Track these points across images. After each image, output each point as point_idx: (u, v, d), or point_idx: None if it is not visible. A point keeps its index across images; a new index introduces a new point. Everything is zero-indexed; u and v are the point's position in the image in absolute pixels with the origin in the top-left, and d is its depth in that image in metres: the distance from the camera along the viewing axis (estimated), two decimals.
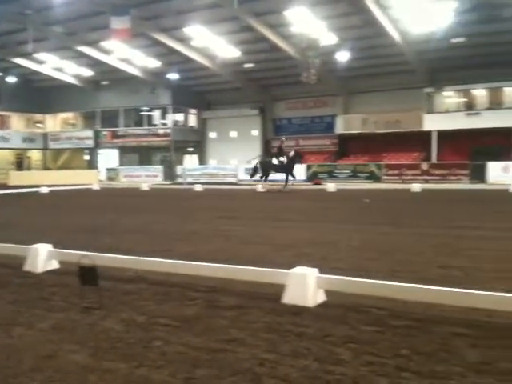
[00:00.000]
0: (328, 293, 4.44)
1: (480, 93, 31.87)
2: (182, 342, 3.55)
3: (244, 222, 11.01)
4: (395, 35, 28.53)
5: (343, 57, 31.15)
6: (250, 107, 40.02)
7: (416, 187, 22.59)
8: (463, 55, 29.45)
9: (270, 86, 39.24)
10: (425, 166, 30.84)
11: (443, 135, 31.39)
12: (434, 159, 31.81)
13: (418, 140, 32.72)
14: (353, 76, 34.75)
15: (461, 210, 13.41)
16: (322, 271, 4.50)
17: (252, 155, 37.45)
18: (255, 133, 40.89)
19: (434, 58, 30.38)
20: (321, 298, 4.40)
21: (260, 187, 23.68)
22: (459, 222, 10.54)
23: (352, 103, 36.99)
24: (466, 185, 26.94)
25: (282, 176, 23.68)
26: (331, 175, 32.71)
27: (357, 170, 32.47)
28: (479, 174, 28.36)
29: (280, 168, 23.34)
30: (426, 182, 28.41)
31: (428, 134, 31.95)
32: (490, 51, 28.58)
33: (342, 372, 3.02)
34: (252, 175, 25.04)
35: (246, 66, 35.54)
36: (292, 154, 23.40)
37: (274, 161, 23.56)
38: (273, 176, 24.28)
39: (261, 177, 24.11)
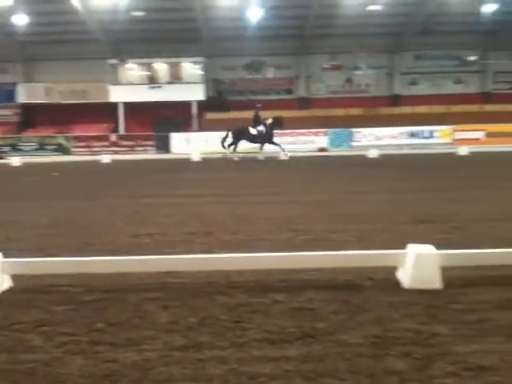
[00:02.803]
0: (15, 277, 4.11)
1: (161, 67, 33.52)
2: None
3: None
4: (75, 2, 27.61)
5: (21, 20, 28.71)
6: None
7: (105, 158, 22.66)
8: (144, 29, 30.43)
9: None
10: (113, 137, 31.13)
11: (129, 107, 32.10)
12: (121, 131, 32.34)
13: (106, 111, 32.72)
14: (33, 42, 32.42)
15: (149, 180, 14.03)
16: (6, 255, 4.12)
17: None
18: None
19: (117, 30, 30.59)
20: (7, 283, 4.04)
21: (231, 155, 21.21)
22: (148, 191, 11.03)
23: (35, 71, 34.59)
24: (152, 155, 28.29)
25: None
26: (15, 148, 30.23)
27: (44, 143, 30.79)
28: (164, 145, 30.09)
29: (259, 138, 21.41)
30: (116, 153, 28.75)
31: (115, 105, 32.22)
32: (169, 27, 30.25)
33: (35, 359, 2.85)
34: (222, 143, 21.88)
35: None
36: (270, 121, 21.41)
37: (252, 130, 21.27)
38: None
39: (229, 145, 21.56)
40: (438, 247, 4.26)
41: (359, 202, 8.61)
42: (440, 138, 29.78)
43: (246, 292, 4.01)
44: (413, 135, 29.94)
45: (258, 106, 22.45)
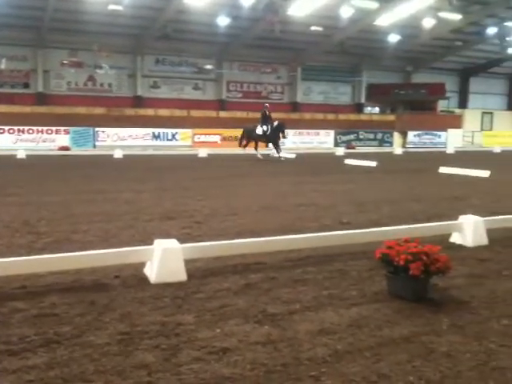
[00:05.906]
0: None
1: None
2: None
3: None
4: None
5: None
6: None
7: None
8: None
9: None
10: None
11: None
12: None
13: None
14: None
15: None
16: None
17: None
18: None
19: None
20: None
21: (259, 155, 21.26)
22: None
23: None
24: None
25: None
26: None
27: None
28: None
29: (262, 137, 21.71)
30: None
31: None
32: None
33: None
34: (240, 143, 22.89)
35: None
36: (276, 124, 21.46)
37: (258, 130, 21.62)
38: None
39: (244, 145, 22.45)
40: (182, 241, 4.46)
41: (102, 202, 8.46)
42: (181, 140, 31.09)
43: None
44: (156, 137, 30.64)
45: (266, 105, 22.59)
